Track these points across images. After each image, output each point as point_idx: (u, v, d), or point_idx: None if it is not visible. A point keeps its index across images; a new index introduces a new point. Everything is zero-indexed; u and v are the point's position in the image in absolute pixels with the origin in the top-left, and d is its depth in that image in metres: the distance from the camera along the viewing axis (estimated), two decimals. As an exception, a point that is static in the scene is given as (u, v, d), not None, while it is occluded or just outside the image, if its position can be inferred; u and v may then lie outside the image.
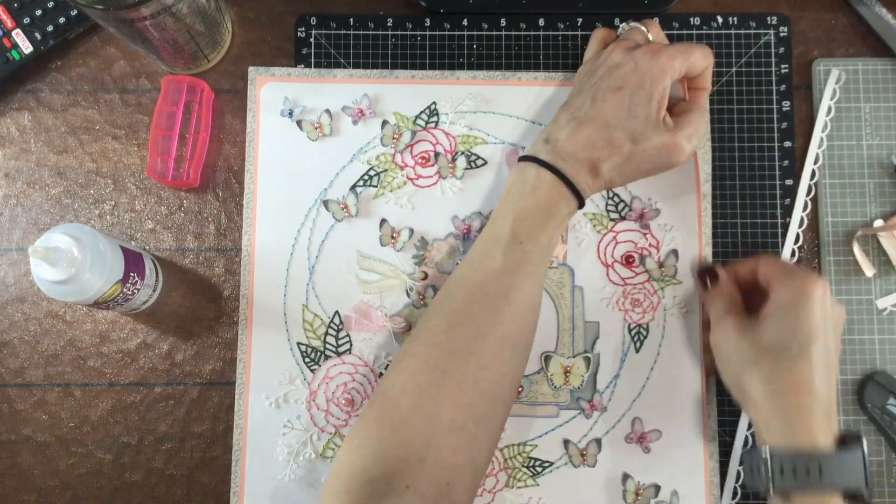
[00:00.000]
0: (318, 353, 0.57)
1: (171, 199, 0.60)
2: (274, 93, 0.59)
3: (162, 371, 0.59)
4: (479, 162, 0.58)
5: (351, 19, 0.61)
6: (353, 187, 0.58)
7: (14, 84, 0.60)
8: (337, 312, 0.57)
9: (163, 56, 0.57)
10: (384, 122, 0.58)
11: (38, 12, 0.59)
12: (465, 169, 0.58)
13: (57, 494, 0.58)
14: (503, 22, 0.60)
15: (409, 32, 0.60)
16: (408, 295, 0.57)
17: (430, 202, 0.58)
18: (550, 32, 0.60)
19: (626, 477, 0.56)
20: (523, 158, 0.52)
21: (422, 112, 0.59)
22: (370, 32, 0.60)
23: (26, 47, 0.59)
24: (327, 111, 0.59)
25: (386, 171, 0.58)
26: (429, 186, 0.58)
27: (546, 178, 0.51)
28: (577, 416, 0.56)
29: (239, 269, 0.59)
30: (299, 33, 0.61)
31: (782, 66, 0.60)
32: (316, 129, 0.58)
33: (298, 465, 0.56)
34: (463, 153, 0.58)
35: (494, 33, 0.60)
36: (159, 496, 0.58)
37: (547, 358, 0.57)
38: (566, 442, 0.56)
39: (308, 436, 0.56)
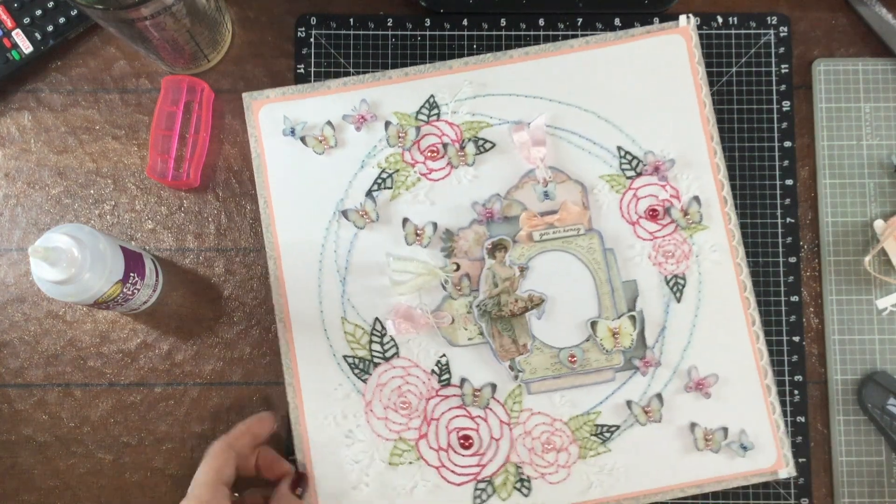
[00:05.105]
0: (367, 363, 0.57)
1: (171, 199, 0.60)
2: (272, 114, 0.59)
3: (162, 371, 0.59)
4: (488, 145, 0.58)
5: (351, 19, 0.61)
6: (369, 193, 0.58)
7: (14, 84, 0.60)
8: (377, 319, 0.57)
9: (163, 56, 0.57)
10: (387, 124, 0.58)
11: (38, 12, 0.59)
12: (476, 154, 0.58)
13: (57, 494, 0.58)
14: (503, 22, 0.60)
15: (409, 32, 0.60)
16: (444, 288, 0.57)
17: (447, 194, 0.58)
18: (550, 32, 0.60)
19: (693, 426, 0.56)
20: None
21: (422, 107, 0.59)
22: (370, 32, 0.60)
23: (26, 47, 0.59)
24: (329, 123, 0.58)
25: (398, 170, 0.58)
26: (443, 179, 0.58)
27: None
28: (634, 375, 0.56)
29: (239, 269, 0.59)
30: (299, 33, 0.61)
31: (782, 66, 0.60)
32: (321, 142, 0.58)
33: (369, 476, 0.56)
34: (470, 139, 0.58)
35: (494, 33, 0.60)
36: (159, 496, 0.58)
37: (593, 324, 0.57)
38: (628, 403, 0.56)
39: (373, 447, 0.56)
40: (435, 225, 0.57)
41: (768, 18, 0.60)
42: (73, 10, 0.59)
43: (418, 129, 0.58)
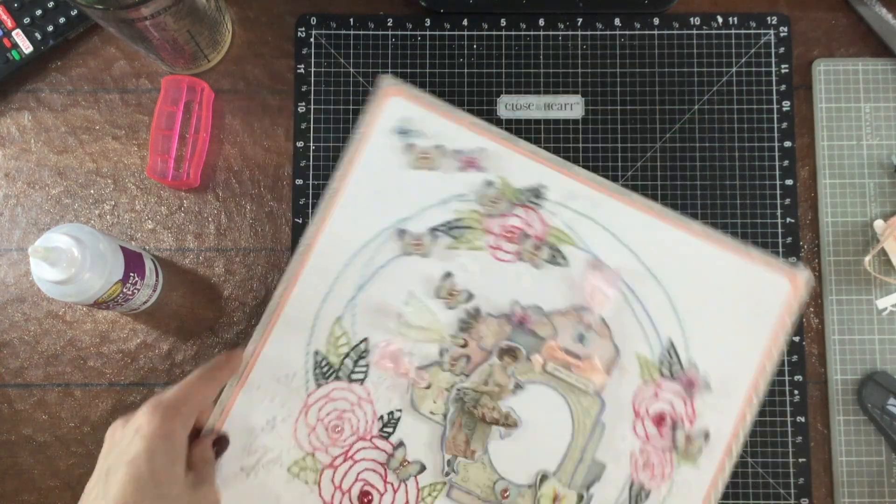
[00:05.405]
0: (331, 371, 0.55)
1: (171, 199, 0.60)
2: (396, 107, 0.57)
3: (162, 371, 0.59)
4: (562, 262, 0.56)
5: (351, 19, 0.61)
6: (434, 229, 0.56)
7: (14, 84, 0.60)
8: (366, 340, 0.55)
9: (163, 56, 0.57)
10: (488, 182, 0.56)
11: (38, 12, 0.59)
12: (546, 262, 0.56)
13: (57, 494, 0.58)
14: (503, 22, 0.60)
15: (409, 32, 0.60)
16: (440, 355, 0.55)
17: (499, 277, 0.56)
18: (550, 32, 0.60)
19: None
20: None
21: (528, 189, 0.56)
22: (370, 32, 0.60)
23: (26, 47, 0.59)
24: (440, 147, 0.57)
25: (471, 228, 0.56)
26: (505, 262, 0.56)
27: None
28: None
29: (239, 269, 0.59)
30: (299, 33, 0.61)
31: (782, 66, 0.60)
32: (421, 158, 0.56)
33: (264, 470, 0.54)
34: (549, 246, 0.56)
35: (494, 33, 0.60)
36: (159, 496, 0.58)
37: (543, 478, 0.54)
38: None
39: (285, 447, 0.54)
40: (470, 295, 0.56)
41: (768, 18, 0.60)
42: (73, 10, 0.59)
43: (512, 204, 0.56)
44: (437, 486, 0.54)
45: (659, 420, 0.55)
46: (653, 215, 0.56)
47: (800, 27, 0.61)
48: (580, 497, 0.54)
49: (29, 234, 0.59)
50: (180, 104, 0.59)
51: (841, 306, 0.58)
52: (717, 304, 0.55)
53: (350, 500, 0.54)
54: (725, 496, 0.57)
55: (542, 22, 0.60)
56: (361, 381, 0.55)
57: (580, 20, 0.60)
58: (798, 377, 0.57)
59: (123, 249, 0.52)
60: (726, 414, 0.54)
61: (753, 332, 0.55)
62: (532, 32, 0.60)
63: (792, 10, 0.61)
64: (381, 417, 0.54)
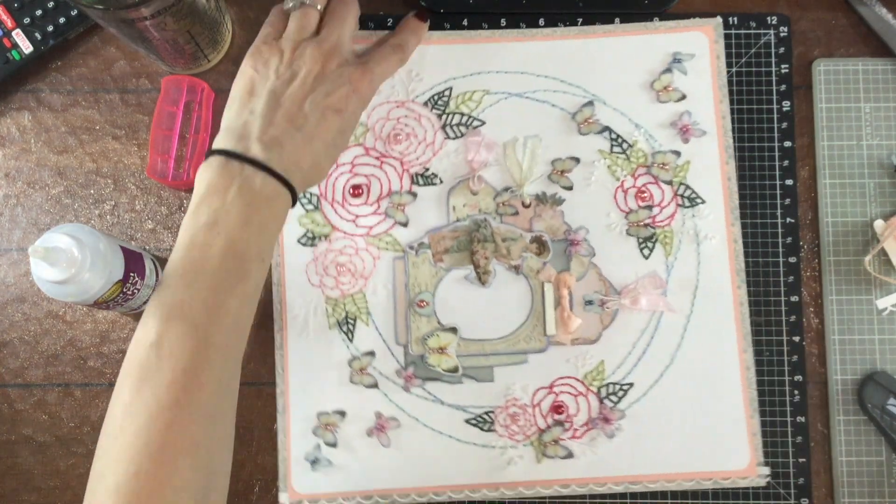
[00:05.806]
0: (440, 109, 0.59)
1: (171, 199, 0.60)
2: (695, 41, 0.59)
3: (162, 371, 0.58)
4: (646, 253, 0.58)
5: (351, 19, 0.61)
6: (608, 130, 0.58)
7: (14, 84, 0.60)
8: (482, 123, 0.59)
9: (163, 56, 0.57)
10: (678, 153, 0.58)
11: (38, 12, 0.59)
12: (637, 238, 0.58)
13: (57, 494, 0.58)
14: (503, 22, 0.60)
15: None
16: (504, 189, 0.58)
17: (599, 205, 0.58)
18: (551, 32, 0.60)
19: None
20: (234, 157, 0.49)
21: (695, 192, 0.58)
22: (370, 32, 0.60)
23: (26, 47, 0.59)
24: (684, 99, 0.59)
25: (627, 159, 0.58)
26: (615, 203, 0.58)
27: (280, 191, 0.49)
28: (391, 361, 0.57)
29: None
30: (299, 33, 0.60)
31: (782, 66, 0.60)
32: (662, 89, 0.59)
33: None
34: (655, 234, 0.58)
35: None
36: (159, 496, 0.58)
37: (454, 330, 0.57)
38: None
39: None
40: (569, 188, 0.58)
41: (768, 18, 0.60)
42: (73, 10, 0.59)
43: (670, 182, 0.58)
44: (397, 245, 0.58)
45: (557, 408, 0.57)
46: (734, 322, 0.57)
47: (800, 27, 0.61)
48: (455, 370, 0.57)
49: (29, 234, 0.59)
50: (180, 104, 0.59)
51: (841, 306, 0.58)
52: (694, 434, 0.56)
53: (345, 183, 0.59)
54: (726, 496, 0.57)
55: (542, 22, 0.60)
56: (446, 136, 0.59)
57: (580, 20, 0.60)
58: (798, 377, 0.57)
59: (123, 249, 0.52)
60: (598, 464, 0.56)
61: (692, 473, 0.56)
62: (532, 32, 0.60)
63: (792, 10, 0.61)
64: (427, 169, 0.58)
